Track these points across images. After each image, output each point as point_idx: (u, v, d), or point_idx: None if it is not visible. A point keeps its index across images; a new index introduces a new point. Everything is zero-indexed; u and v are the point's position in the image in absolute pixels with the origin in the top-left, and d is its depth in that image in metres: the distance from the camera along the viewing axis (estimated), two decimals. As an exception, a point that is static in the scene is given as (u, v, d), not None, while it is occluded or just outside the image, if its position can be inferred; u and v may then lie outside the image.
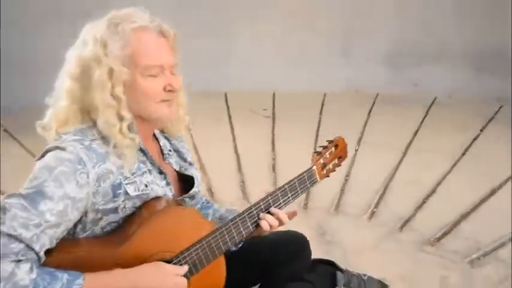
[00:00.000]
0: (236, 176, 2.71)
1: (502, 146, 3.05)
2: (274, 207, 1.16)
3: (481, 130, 3.30)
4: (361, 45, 4.04)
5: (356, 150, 2.96)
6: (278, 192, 1.17)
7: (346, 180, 2.61)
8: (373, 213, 2.32)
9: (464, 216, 2.27)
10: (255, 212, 1.14)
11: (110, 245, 1.00)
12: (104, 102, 1.00)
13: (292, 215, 1.20)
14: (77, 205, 0.95)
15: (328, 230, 2.17)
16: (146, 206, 1.05)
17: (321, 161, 1.27)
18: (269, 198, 1.16)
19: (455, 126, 3.39)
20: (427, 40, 3.93)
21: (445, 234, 2.13)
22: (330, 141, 1.33)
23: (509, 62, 3.79)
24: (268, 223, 1.14)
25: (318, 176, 1.25)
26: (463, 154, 2.93)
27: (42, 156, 0.98)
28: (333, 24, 4.00)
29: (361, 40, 4.03)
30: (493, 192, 2.48)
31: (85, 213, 0.99)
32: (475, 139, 3.15)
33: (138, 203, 1.05)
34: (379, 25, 3.97)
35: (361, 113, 3.63)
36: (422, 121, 3.47)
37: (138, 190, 1.04)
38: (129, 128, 1.04)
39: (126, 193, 1.02)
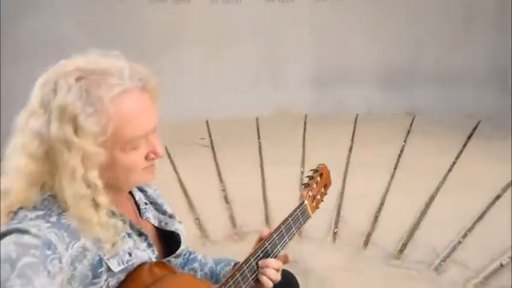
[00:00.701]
0: (188, 213, 2.55)
1: (424, 152, 3.34)
2: (274, 253, 1.05)
3: (404, 141, 3.60)
4: (285, 70, 4.18)
5: (302, 173, 3.00)
6: (275, 236, 1.07)
7: (300, 203, 2.62)
8: (335, 234, 2.36)
9: (416, 225, 2.42)
10: (253, 263, 1.02)
11: None
12: (75, 193, 0.81)
13: (285, 260, 1.08)
14: None
15: (299, 258, 2.14)
16: (132, 279, 0.89)
17: (310, 193, 1.22)
18: (266, 244, 1.05)
19: (380, 139, 3.63)
20: (344, 62, 4.21)
21: (404, 245, 2.25)
22: (315, 171, 1.28)
23: (419, 79, 4.23)
24: (269, 278, 1.01)
25: (310, 210, 1.19)
26: (396, 166, 3.15)
27: None
28: (257, 50, 4.09)
29: (286, 65, 4.17)
30: (432, 198, 2.69)
31: None
32: (401, 151, 3.42)
33: (122, 277, 0.88)
34: (301, 50, 4.15)
35: (294, 134, 3.72)
36: (352, 137, 3.67)
37: (123, 263, 0.87)
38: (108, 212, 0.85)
39: (109, 270, 0.85)
